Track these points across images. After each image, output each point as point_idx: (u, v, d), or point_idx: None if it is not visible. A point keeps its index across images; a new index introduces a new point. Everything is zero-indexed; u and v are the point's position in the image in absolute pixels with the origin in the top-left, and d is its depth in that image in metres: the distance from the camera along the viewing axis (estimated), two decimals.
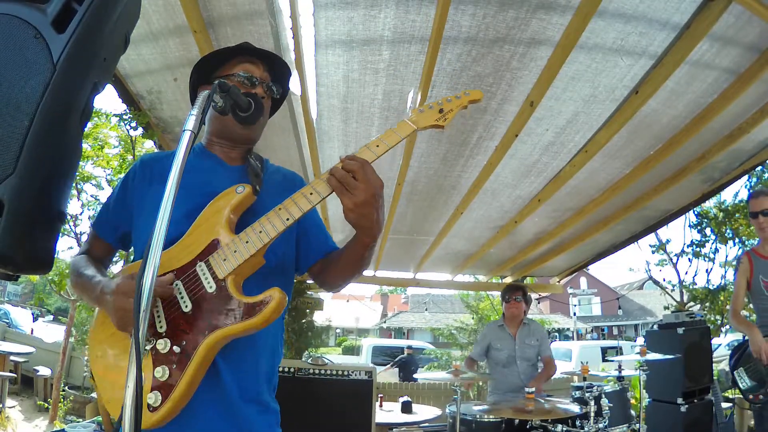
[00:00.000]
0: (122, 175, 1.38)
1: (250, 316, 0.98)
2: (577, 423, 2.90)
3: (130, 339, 0.95)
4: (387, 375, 9.52)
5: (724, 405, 4.26)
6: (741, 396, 3.20)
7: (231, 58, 1.31)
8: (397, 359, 10.58)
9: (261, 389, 1.18)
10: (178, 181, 0.87)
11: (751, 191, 3.33)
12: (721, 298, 5.86)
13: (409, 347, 11.65)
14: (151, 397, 0.96)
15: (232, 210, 1.12)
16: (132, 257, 1.29)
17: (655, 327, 4.06)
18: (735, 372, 3.06)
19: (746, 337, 2.98)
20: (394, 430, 3.74)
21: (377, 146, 1.09)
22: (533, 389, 3.03)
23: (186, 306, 1.02)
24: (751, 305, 3.22)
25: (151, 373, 0.97)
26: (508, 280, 6.59)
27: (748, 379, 2.98)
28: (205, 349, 0.98)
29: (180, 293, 1.03)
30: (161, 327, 1.01)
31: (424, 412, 3.95)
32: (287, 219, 1.06)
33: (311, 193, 1.06)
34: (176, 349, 0.98)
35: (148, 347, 1.00)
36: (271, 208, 1.09)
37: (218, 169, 1.28)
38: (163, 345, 0.99)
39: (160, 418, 0.95)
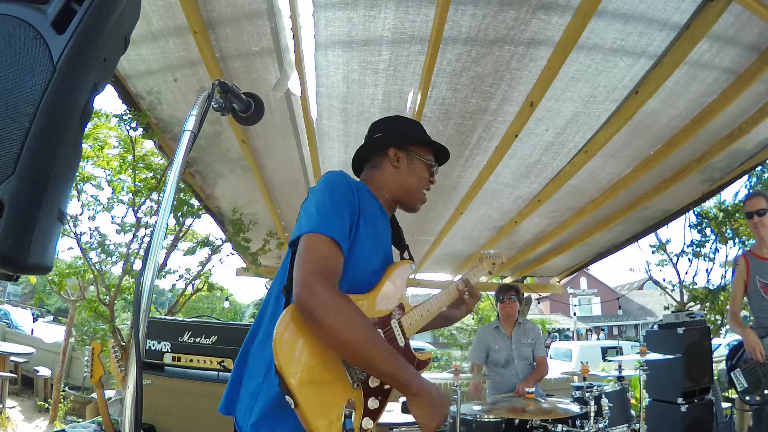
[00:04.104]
0: (331, 184, 1.20)
1: (420, 369, 1.25)
2: (577, 423, 2.90)
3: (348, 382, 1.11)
4: None
5: (724, 405, 4.26)
6: (738, 398, 3.22)
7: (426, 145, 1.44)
8: None
9: None
10: (178, 181, 0.87)
11: (747, 193, 3.36)
12: (721, 298, 5.85)
13: None
14: (367, 423, 1.13)
15: (406, 285, 1.36)
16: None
17: (655, 327, 4.05)
18: (732, 373, 3.07)
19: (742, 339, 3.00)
20: (394, 430, 3.73)
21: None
22: (533, 389, 3.03)
23: None
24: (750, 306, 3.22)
25: (362, 404, 1.13)
26: (508, 280, 6.59)
27: (744, 380, 2.99)
28: None
29: None
30: None
31: None
32: (448, 298, 1.46)
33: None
34: (385, 387, 1.16)
35: (358, 384, 1.14)
36: None
37: (384, 218, 1.39)
38: (374, 382, 1.15)
39: None
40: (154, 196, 4.41)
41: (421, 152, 1.41)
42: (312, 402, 1.03)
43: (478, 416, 2.94)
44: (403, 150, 1.38)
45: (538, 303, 25.37)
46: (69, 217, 4.38)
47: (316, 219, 1.10)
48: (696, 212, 6.10)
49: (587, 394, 2.87)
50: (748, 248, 3.33)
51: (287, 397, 1.01)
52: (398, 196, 1.39)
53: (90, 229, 4.56)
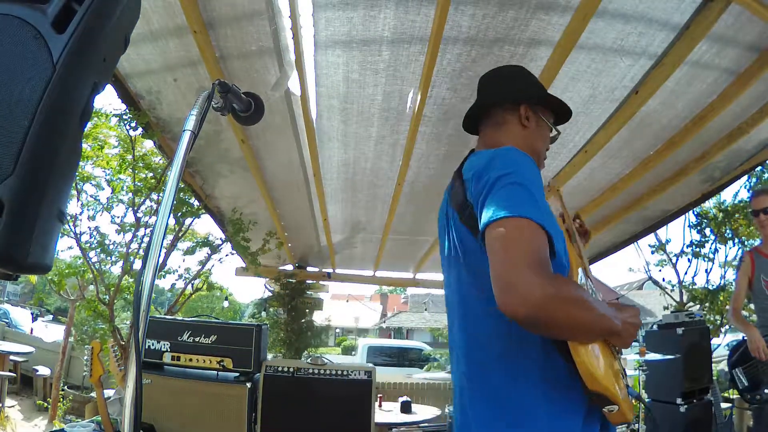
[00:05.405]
0: (525, 158, 1.05)
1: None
2: None
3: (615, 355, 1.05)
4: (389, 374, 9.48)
5: (724, 405, 4.25)
6: (739, 396, 3.21)
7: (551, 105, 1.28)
8: None
9: None
10: (178, 181, 0.87)
11: (752, 190, 3.31)
12: (721, 298, 5.85)
13: None
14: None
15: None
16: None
17: (655, 327, 4.05)
18: (733, 371, 3.06)
19: (745, 337, 2.98)
20: (393, 430, 3.74)
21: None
22: None
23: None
24: (752, 305, 3.22)
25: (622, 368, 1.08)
26: None
27: (745, 378, 2.99)
28: None
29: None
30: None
31: (424, 412, 3.95)
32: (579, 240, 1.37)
33: None
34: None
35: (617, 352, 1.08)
36: None
37: None
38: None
39: None
40: (154, 196, 4.41)
41: (546, 113, 1.25)
42: (625, 395, 0.99)
43: None
44: (532, 108, 1.22)
45: None
46: (69, 217, 4.38)
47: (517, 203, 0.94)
48: (696, 212, 6.10)
49: None
50: (748, 247, 3.32)
51: (607, 408, 0.93)
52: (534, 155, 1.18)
53: (90, 228, 4.56)
